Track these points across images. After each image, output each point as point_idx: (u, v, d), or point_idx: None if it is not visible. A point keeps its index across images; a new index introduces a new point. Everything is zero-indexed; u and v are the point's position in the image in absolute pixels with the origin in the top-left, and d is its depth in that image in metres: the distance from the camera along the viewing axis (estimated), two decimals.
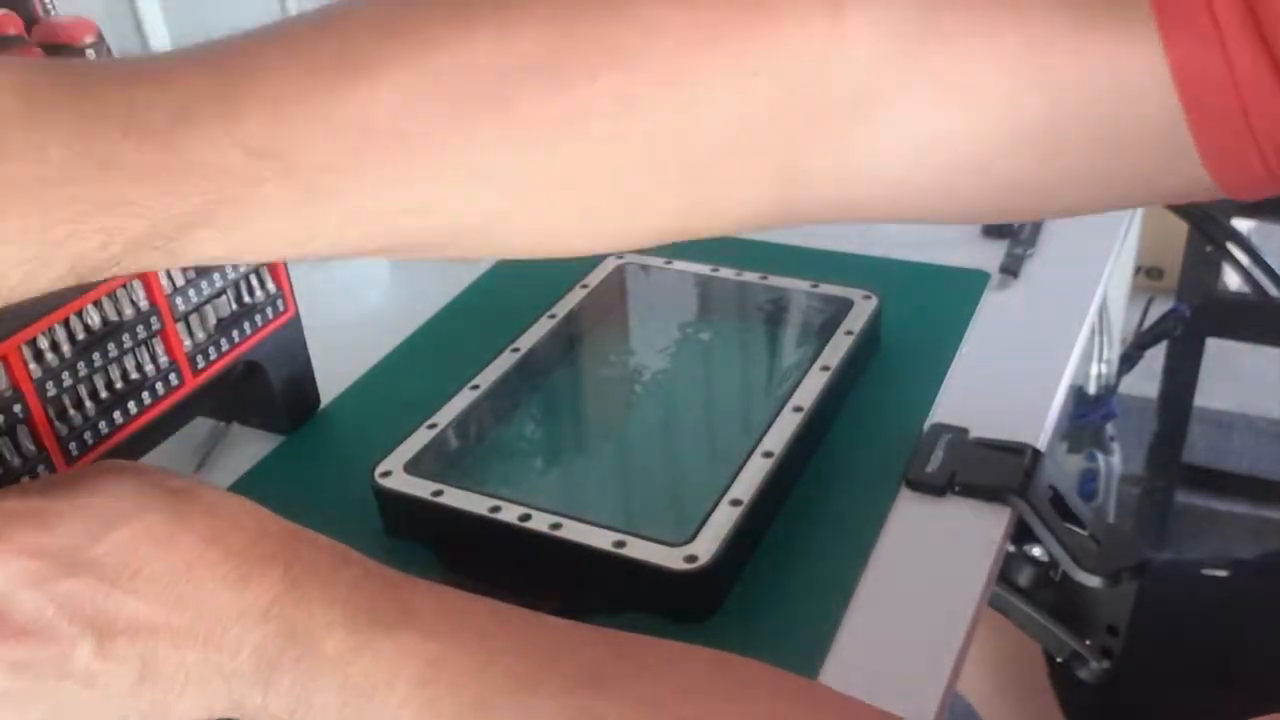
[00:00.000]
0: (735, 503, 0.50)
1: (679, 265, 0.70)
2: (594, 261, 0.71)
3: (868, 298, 0.64)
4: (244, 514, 0.41)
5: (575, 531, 0.49)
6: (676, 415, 0.59)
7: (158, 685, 0.38)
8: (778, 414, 0.55)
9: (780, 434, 0.54)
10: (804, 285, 0.67)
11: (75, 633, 0.37)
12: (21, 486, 0.41)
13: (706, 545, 0.47)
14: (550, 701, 0.35)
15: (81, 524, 0.38)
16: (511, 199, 0.38)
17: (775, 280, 0.67)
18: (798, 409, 0.55)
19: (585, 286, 0.68)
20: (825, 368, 0.58)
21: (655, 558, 0.47)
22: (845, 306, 0.63)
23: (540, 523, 0.50)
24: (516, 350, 0.62)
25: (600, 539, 0.48)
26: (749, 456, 0.52)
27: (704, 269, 0.70)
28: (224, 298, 0.58)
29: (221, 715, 0.39)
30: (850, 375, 0.60)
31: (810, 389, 0.57)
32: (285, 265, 0.61)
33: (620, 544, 0.48)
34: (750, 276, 0.68)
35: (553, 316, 0.65)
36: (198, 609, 0.38)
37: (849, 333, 0.61)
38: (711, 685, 0.36)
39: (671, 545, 0.48)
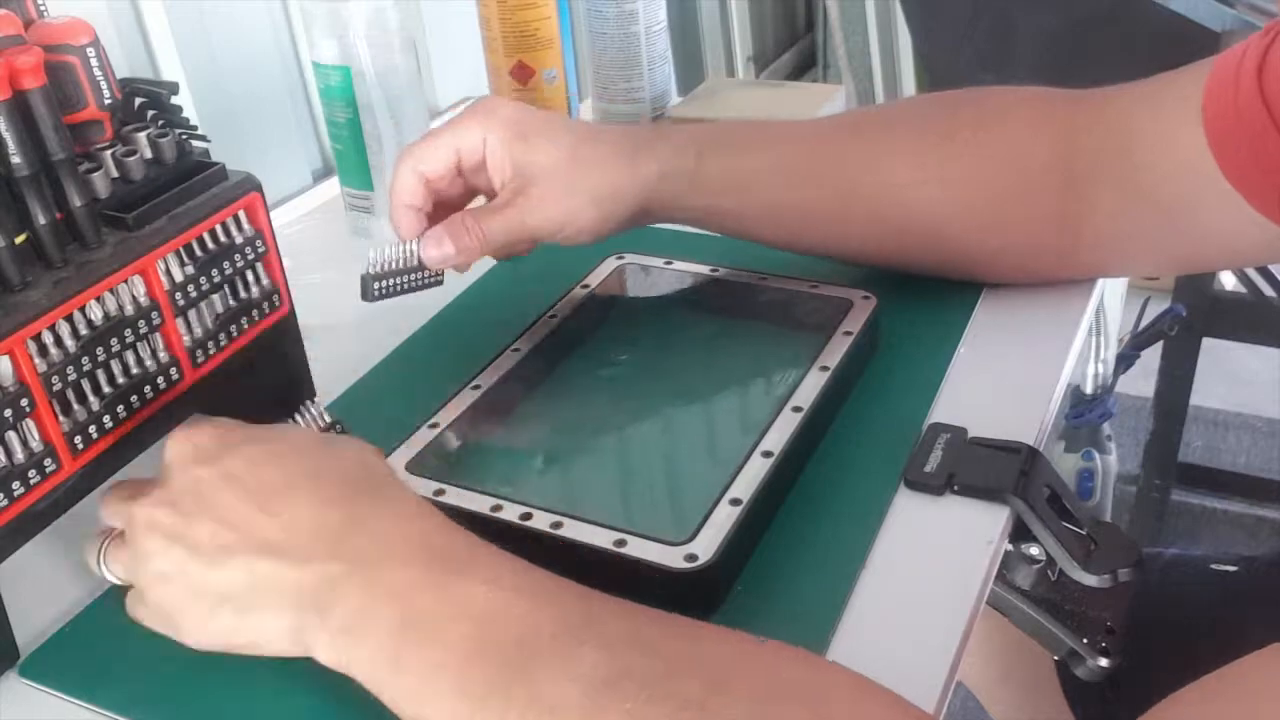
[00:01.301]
0: (735, 502, 0.50)
1: (679, 265, 0.70)
2: (594, 261, 0.71)
3: (866, 298, 0.64)
4: (348, 446, 0.48)
5: (576, 530, 0.49)
6: (676, 415, 0.59)
7: (235, 583, 0.44)
8: (777, 414, 0.55)
9: (780, 434, 0.54)
10: (803, 286, 0.67)
11: (198, 511, 0.45)
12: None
13: (706, 544, 0.48)
14: (593, 653, 0.39)
15: (244, 441, 0.47)
16: None
17: (775, 281, 0.68)
18: (797, 409, 0.56)
19: (586, 286, 0.69)
20: (824, 368, 0.59)
21: (655, 557, 0.47)
22: (844, 307, 0.64)
23: (541, 522, 0.50)
24: (517, 350, 0.63)
25: (601, 538, 0.49)
26: (749, 456, 0.53)
27: (704, 269, 0.70)
28: (222, 292, 0.58)
29: (283, 636, 0.43)
30: (849, 375, 0.61)
31: (809, 389, 0.57)
32: (280, 261, 0.61)
33: (621, 543, 0.48)
34: (750, 277, 0.68)
35: (553, 316, 0.66)
36: (277, 526, 0.44)
37: (848, 333, 0.61)
38: (748, 659, 0.39)
39: (671, 544, 0.48)
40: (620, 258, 0.72)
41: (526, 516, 0.50)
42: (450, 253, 0.60)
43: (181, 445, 0.47)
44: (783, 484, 0.54)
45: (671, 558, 0.47)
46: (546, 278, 0.69)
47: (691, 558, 0.47)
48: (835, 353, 0.60)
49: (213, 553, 0.44)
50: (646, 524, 0.49)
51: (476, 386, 0.59)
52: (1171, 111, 0.58)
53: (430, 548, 0.43)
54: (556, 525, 0.50)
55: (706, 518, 0.49)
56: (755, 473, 0.52)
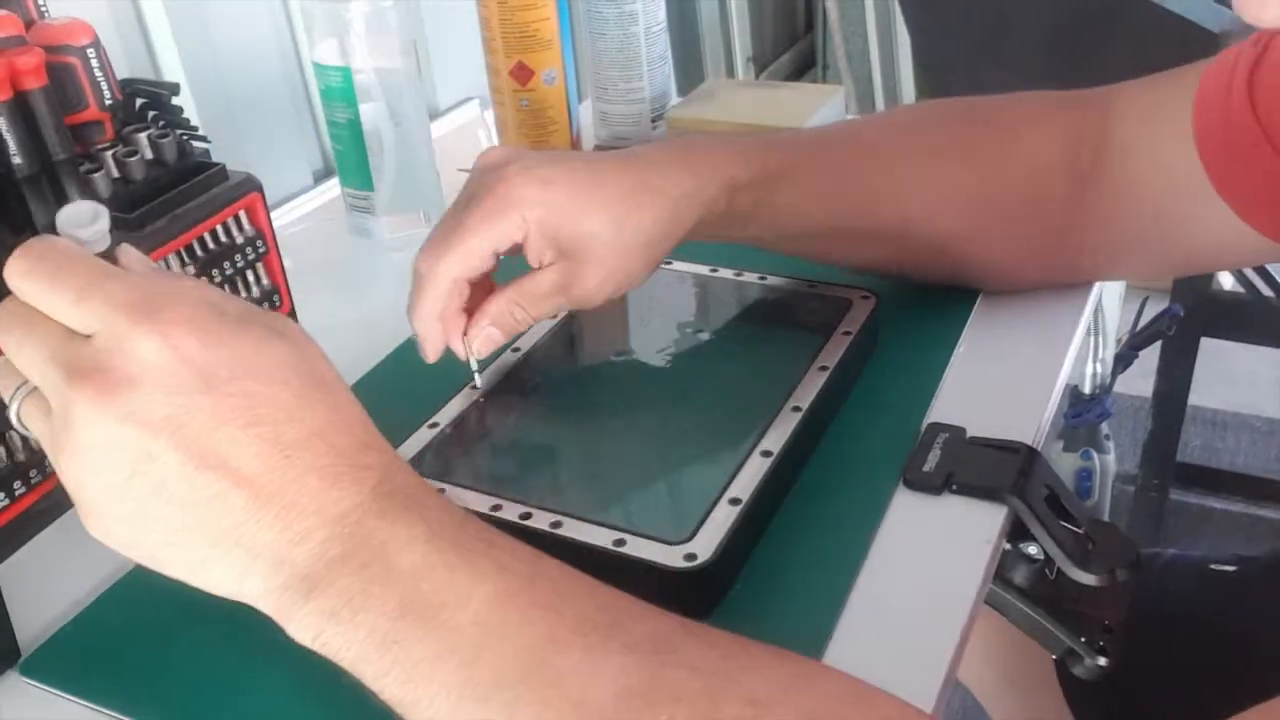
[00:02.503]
0: (734, 501, 0.50)
1: (679, 265, 0.70)
2: None
3: (865, 298, 0.64)
4: (361, 423, 0.42)
5: (575, 530, 0.49)
6: (675, 414, 0.59)
7: (217, 531, 0.38)
8: (777, 413, 0.55)
9: (779, 433, 0.54)
10: (802, 285, 0.67)
11: (171, 445, 0.38)
12: (223, 294, 0.42)
13: (706, 544, 0.48)
14: (619, 655, 0.36)
15: (235, 356, 0.39)
16: None
17: (774, 280, 0.68)
18: (796, 408, 0.56)
19: None
20: (824, 367, 0.59)
21: (655, 556, 0.48)
22: (844, 306, 0.64)
23: (541, 521, 0.50)
24: (517, 350, 0.63)
25: (600, 537, 0.49)
26: (748, 456, 0.53)
27: (703, 269, 0.70)
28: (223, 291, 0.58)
29: (249, 592, 0.39)
30: (848, 375, 0.61)
31: (809, 388, 0.57)
32: (281, 261, 0.61)
33: (620, 542, 0.48)
34: (749, 276, 0.69)
35: (553, 316, 0.66)
36: (283, 486, 0.38)
37: (847, 332, 0.61)
38: (773, 671, 0.37)
39: (671, 544, 0.48)
40: None
41: (526, 516, 0.50)
42: (500, 343, 0.58)
43: (163, 351, 0.38)
44: (782, 483, 0.54)
45: (671, 557, 0.47)
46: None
47: (691, 557, 0.47)
48: (834, 352, 0.60)
49: (183, 495, 0.38)
50: (646, 523, 0.49)
51: (475, 386, 0.60)
52: (1163, 121, 0.59)
53: (440, 525, 0.40)
54: (556, 525, 0.50)
55: (706, 517, 0.49)
56: (754, 472, 0.52)
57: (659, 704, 0.35)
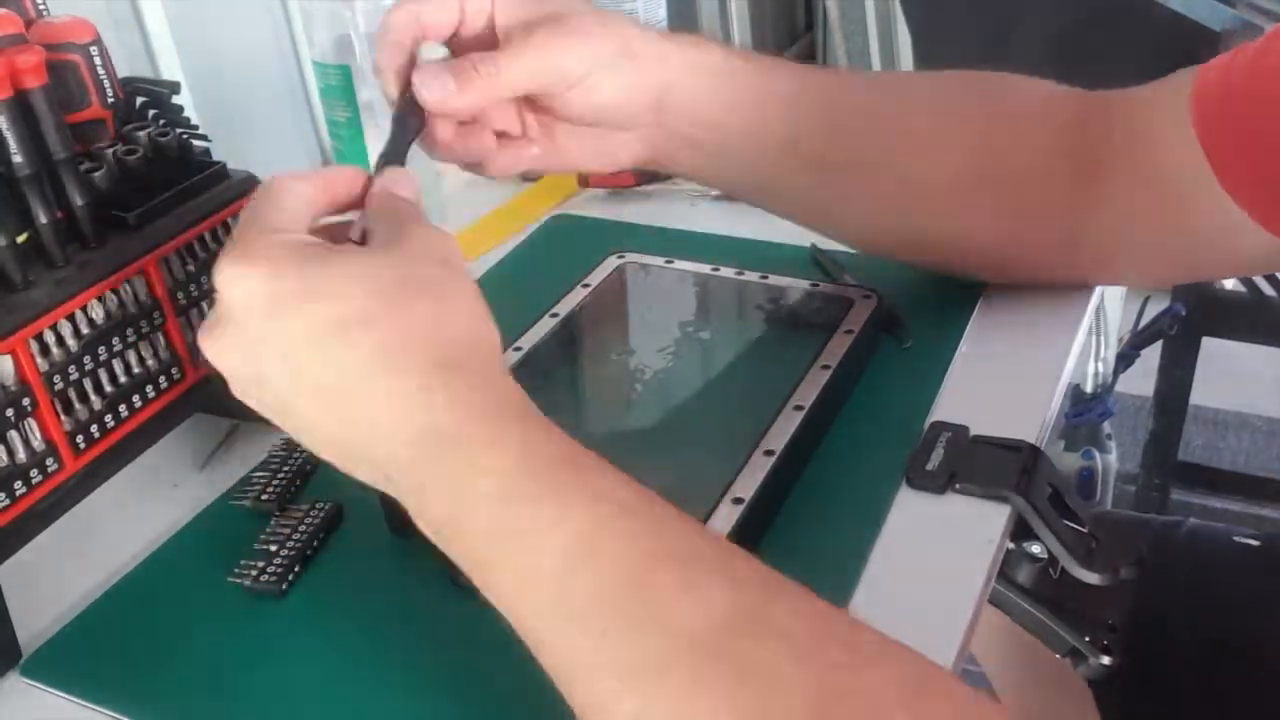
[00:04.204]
0: (737, 501, 0.50)
1: (680, 264, 0.70)
2: (594, 260, 0.71)
3: (867, 297, 0.64)
4: (440, 339, 0.41)
5: None
6: (678, 414, 0.59)
7: (334, 438, 0.42)
8: (779, 413, 0.55)
9: (781, 433, 0.54)
10: (804, 284, 0.67)
11: (264, 370, 0.42)
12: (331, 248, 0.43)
13: None
14: (722, 589, 0.36)
15: (318, 277, 0.41)
16: None
17: (776, 279, 0.68)
18: (798, 408, 0.56)
19: (587, 286, 0.69)
20: (826, 367, 0.59)
21: None
22: (846, 305, 0.64)
23: None
24: (518, 349, 0.63)
25: None
26: (750, 455, 0.53)
27: (705, 268, 0.70)
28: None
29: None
30: (851, 374, 0.61)
31: (811, 388, 0.57)
32: None
33: None
34: (751, 276, 0.68)
35: (554, 316, 0.66)
36: (358, 408, 0.40)
37: (849, 331, 0.61)
38: (869, 634, 0.37)
39: None
40: (621, 257, 0.72)
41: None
42: (451, 90, 0.50)
43: (233, 289, 0.42)
44: (785, 482, 0.54)
45: None
46: (546, 277, 0.69)
47: None
48: (836, 351, 0.60)
49: (295, 407, 0.42)
50: None
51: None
52: (1162, 114, 0.58)
53: (525, 453, 0.40)
54: None
55: (708, 517, 0.49)
56: (757, 472, 0.52)
57: (763, 637, 0.35)
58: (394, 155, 0.50)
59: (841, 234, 0.66)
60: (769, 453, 0.53)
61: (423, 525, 0.41)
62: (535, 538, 0.38)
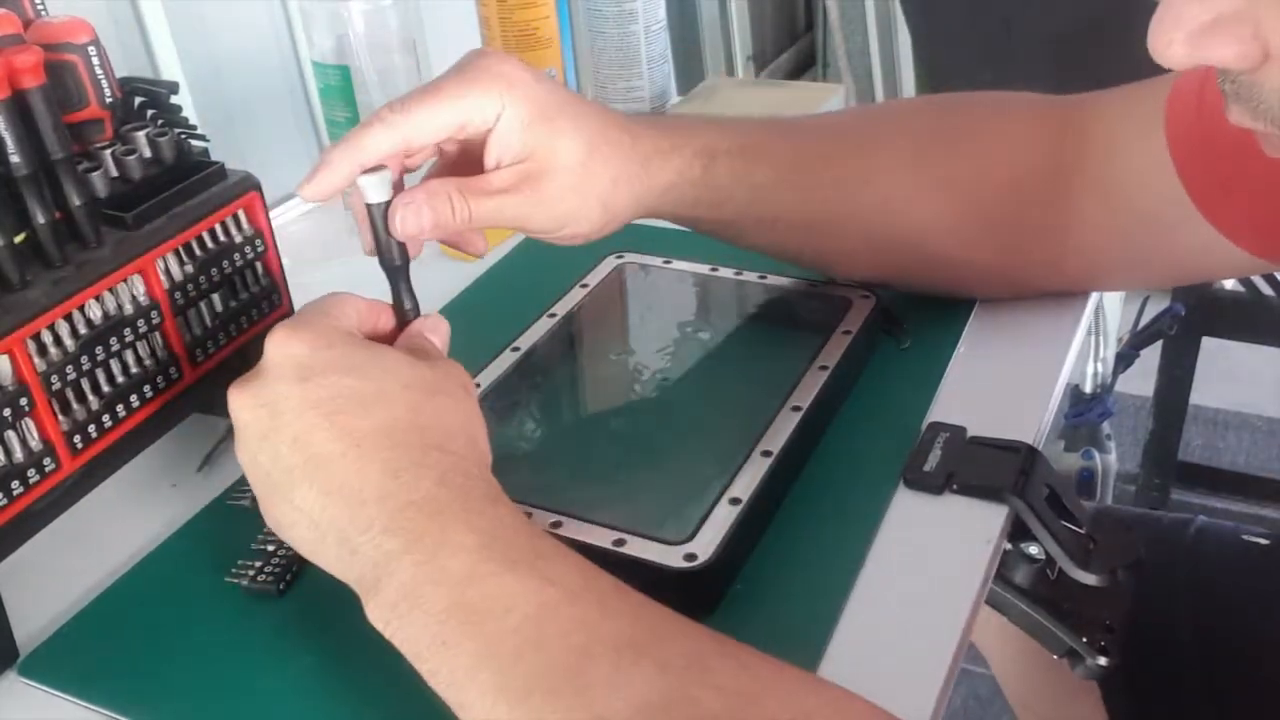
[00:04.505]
0: (735, 501, 0.50)
1: (678, 264, 0.70)
2: (592, 260, 0.71)
3: (865, 297, 0.64)
4: (440, 429, 0.45)
5: (575, 530, 0.49)
6: (676, 414, 0.59)
7: (307, 509, 0.43)
8: (777, 413, 0.55)
9: (779, 433, 0.54)
10: (802, 285, 0.67)
11: (272, 426, 0.44)
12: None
13: (706, 544, 0.48)
14: (648, 672, 0.38)
15: (338, 357, 0.45)
16: None
17: (774, 280, 0.68)
18: (796, 408, 0.56)
19: (585, 286, 0.69)
20: (824, 367, 0.59)
21: (655, 556, 0.48)
22: (844, 306, 0.64)
23: (541, 521, 0.50)
24: (516, 349, 0.63)
25: (600, 537, 0.49)
26: (748, 455, 0.53)
27: (703, 268, 0.70)
28: (221, 292, 0.58)
29: (336, 571, 0.43)
30: (848, 374, 0.61)
31: (809, 388, 0.57)
32: (279, 260, 0.61)
33: (620, 542, 0.48)
34: (749, 276, 0.68)
35: (553, 316, 0.66)
36: (349, 475, 0.43)
37: (847, 332, 0.61)
38: (801, 699, 0.38)
39: (671, 544, 0.48)
40: (619, 257, 0.72)
41: (526, 516, 0.50)
42: (426, 227, 0.51)
43: (278, 351, 0.46)
44: (782, 483, 0.54)
45: (671, 557, 0.47)
46: (544, 277, 0.69)
47: (691, 557, 0.47)
48: (834, 352, 0.60)
49: (281, 479, 0.44)
50: (646, 524, 0.49)
51: (476, 386, 0.59)
52: (1137, 126, 0.58)
53: (492, 535, 0.42)
54: (556, 525, 0.50)
55: (706, 517, 0.49)
56: (755, 472, 0.52)
57: None
58: (407, 295, 0.52)
59: (818, 266, 0.67)
60: (766, 453, 0.53)
61: (377, 604, 0.41)
62: (492, 621, 0.39)
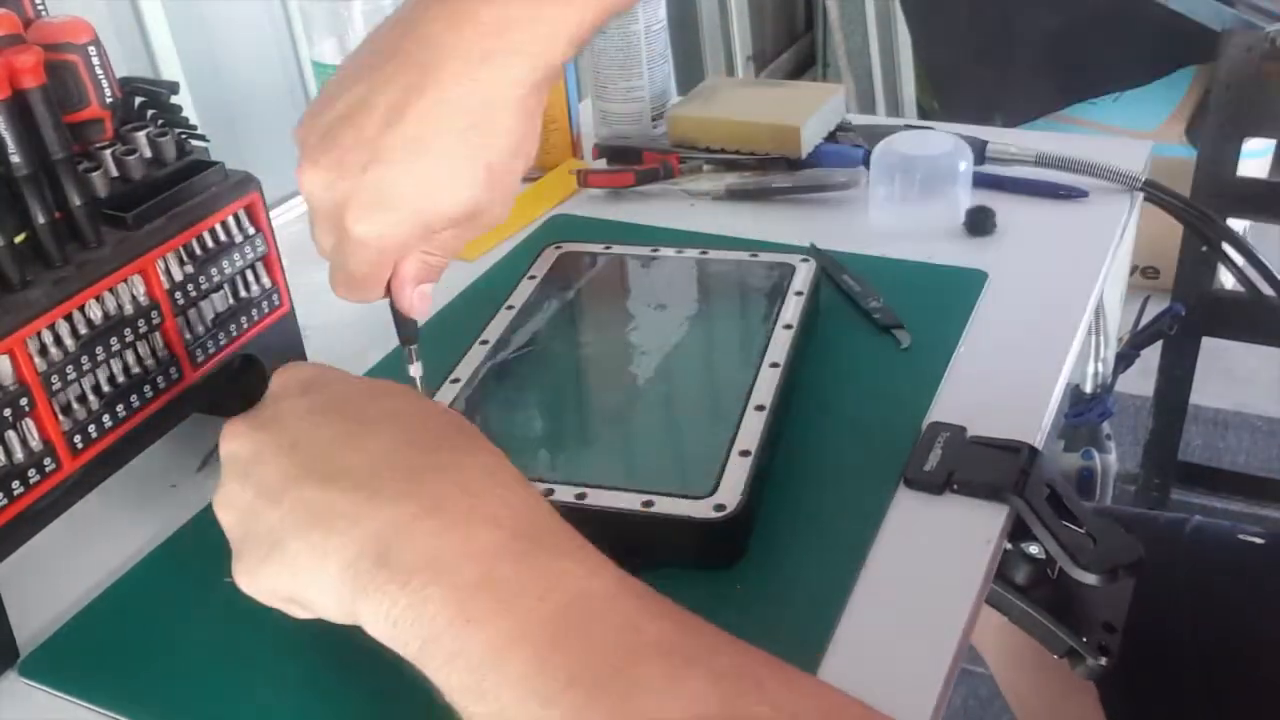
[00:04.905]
0: (744, 453, 0.52)
1: (618, 249, 0.73)
2: (530, 254, 0.72)
3: (805, 260, 0.68)
4: (443, 407, 0.45)
5: (602, 498, 0.51)
6: (664, 383, 0.60)
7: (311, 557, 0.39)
8: (758, 371, 0.58)
9: (766, 388, 0.57)
10: (744, 255, 0.70)
11: (271, 442, 0.43)
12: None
13: (730, 494, 0.50)
14: (702, 682, 0.34)
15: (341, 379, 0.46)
16: None
17: (716, 254, 0.71)
18: (774, 365, 0.58)
19: (533, 277, 0.70)
20: (788, 325, 0.62)
21: (686, 511, 0.49)
22: (788, 271, 0.67)
23: (565, 495, 0.51)
24: (485, 342, 0.63)
25: (628, 501, 0.50)
26: (743, 411, 0.55)
27: (644, 250, 0.72)
28: (222, 292, 0.58)
29: (330, 586, 0.38)
30: (811, 329, 0.64)
31: (780, 345, 0.60)
32: (280, 260, 0.61)
33: (649, 503, 0.50)
34: (691, 253, 0.71)
35: (510, 307, 0.67)
36: (354, 452, 0.40)
37: (799, 293, 0.65)
38: (850, 712, 0.36)
39: (698, 498, 0.50)
40: (558, 248, 0.73)
41: (549, 493, 0.51)
42: (429, 295, 0.53)
43: (283, 377, 0.46)
44: (778, 433, 0.56)
45: (701, 510, 0.49)
46: (489, 274, 0.72)
47: (720, 508, 0.49)
48: (793, 310, 0.63)
49: (275, 485, 0.40)
50: (669, 483, 0.51)
51: (455, 380, 0.60)
52: None
53: (524, 516, 0.38)
54: (581, 496, 0.51)
55: (723, 470, 0.51)
56: (755, 425, 0.54)
57: None
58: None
59: None
60: (760, 408, 0.55)
61: (386, 578, 0.36)
62: (528, 600, 0.35)
